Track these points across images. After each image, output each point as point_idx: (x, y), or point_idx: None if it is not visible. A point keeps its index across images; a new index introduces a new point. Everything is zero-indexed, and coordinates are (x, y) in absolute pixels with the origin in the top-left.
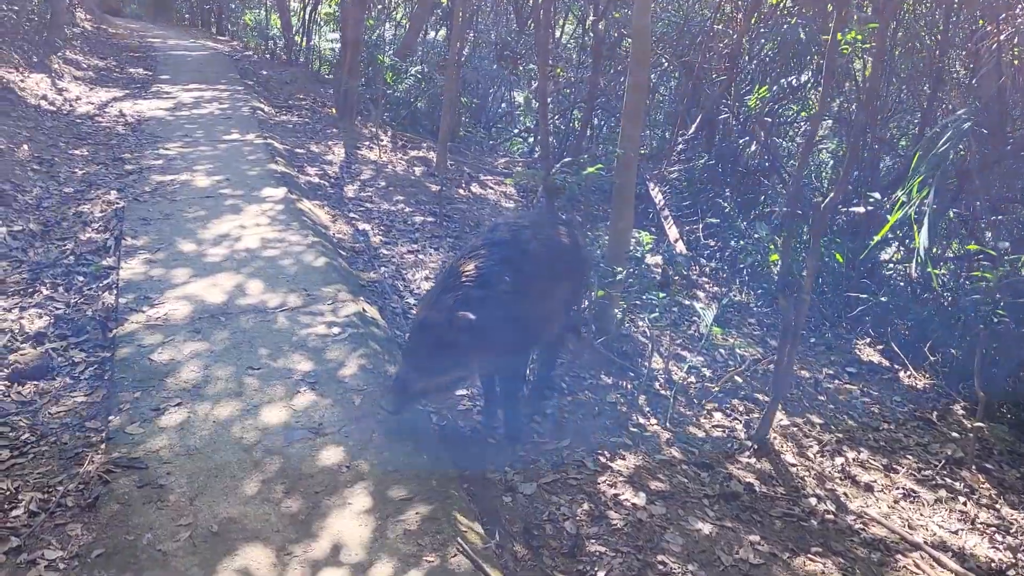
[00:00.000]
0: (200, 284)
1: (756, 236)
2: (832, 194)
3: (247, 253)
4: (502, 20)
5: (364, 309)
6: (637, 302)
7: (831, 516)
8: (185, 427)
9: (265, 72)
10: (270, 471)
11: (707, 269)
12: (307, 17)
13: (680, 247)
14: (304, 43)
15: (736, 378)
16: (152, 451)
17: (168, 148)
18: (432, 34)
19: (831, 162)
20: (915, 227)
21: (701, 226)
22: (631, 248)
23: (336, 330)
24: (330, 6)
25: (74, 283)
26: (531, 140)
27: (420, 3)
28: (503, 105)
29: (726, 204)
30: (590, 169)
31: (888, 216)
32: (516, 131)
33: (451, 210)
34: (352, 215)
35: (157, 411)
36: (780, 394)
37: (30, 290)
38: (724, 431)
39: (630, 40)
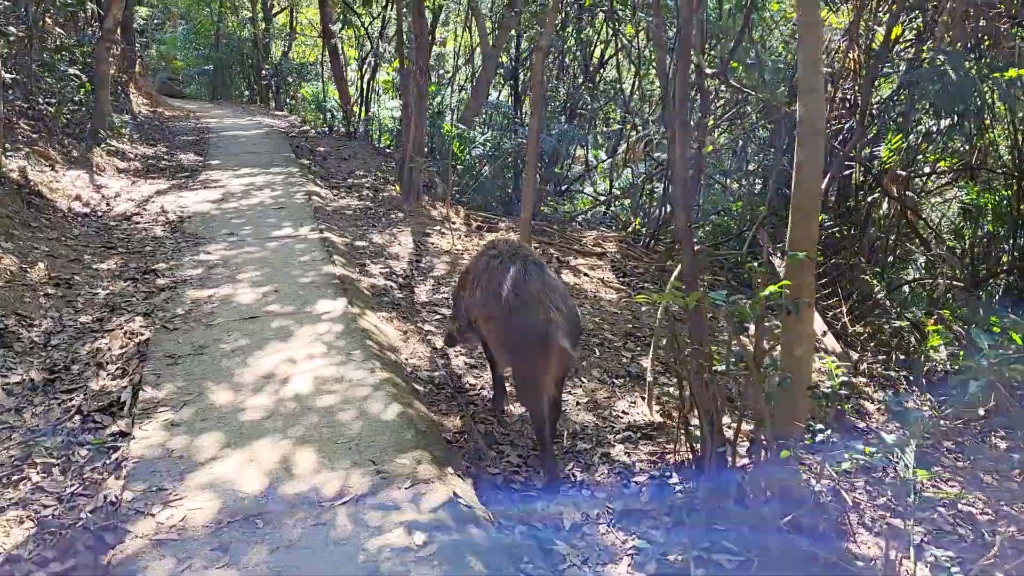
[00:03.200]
0: (233, 460)
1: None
2: None
3: (296, 403)
4: (567, 74)
5: (456, 494)
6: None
7: None
8: None
9: (322, 148)
10: None
11: (862, 367)
12: (365, 86)
13: (830, 342)
14: (363, 113)
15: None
16: None
17: (210, 252)
18: (495, 94)
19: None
20: None
21: (844, 309)
22: (816, 383)
23: (419, 539)
24: (388, 73)
25: (74, 460)
26: (610, 204)
27: (484, 65)
28: (572, 165)
29: (874, 280)
30: (771, 288)
31: None
32: (600, 199)
33: None
34: (427, 328)
35: None
36: None
37: (15, 476)
38: None
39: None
